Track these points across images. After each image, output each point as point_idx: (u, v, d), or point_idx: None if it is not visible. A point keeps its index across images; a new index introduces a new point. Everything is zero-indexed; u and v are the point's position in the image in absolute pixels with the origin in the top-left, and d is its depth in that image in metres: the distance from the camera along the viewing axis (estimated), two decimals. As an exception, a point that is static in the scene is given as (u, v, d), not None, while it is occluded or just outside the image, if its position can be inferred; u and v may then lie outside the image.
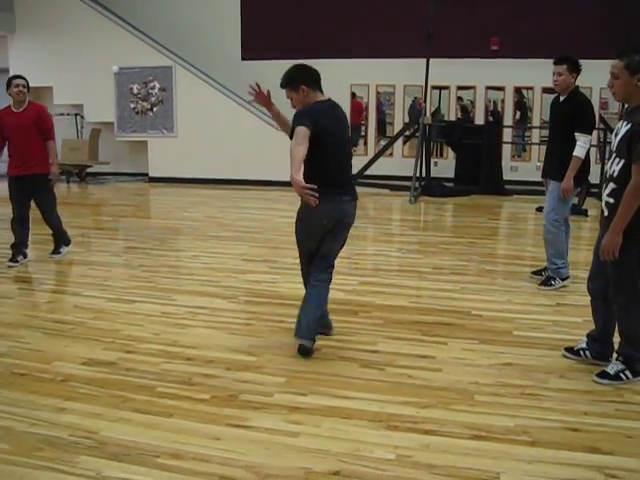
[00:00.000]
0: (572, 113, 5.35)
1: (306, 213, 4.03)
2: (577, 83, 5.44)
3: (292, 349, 4.20)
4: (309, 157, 3.78)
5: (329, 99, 4.12)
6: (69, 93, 13.40)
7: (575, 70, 5.38)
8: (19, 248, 6.40)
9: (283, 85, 4.10)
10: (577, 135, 5.29)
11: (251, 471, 2.80)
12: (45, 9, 13.26)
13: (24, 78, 6.36)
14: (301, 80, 4.05)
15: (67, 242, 6.83)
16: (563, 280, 5.63)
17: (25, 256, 6.45)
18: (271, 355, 4.11)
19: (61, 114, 13.90)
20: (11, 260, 6.31)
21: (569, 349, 4.08)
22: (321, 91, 4.12)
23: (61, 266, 6.39)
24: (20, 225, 6.43)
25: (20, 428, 3.18)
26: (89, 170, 13.72)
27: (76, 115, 13.92)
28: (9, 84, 6.28)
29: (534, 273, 5.97)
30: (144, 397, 3.53)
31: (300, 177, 3.62)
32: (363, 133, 13.71)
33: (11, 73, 13.50)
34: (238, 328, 4.65)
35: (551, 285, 5.60)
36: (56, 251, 6.73)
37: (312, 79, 4.08)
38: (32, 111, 6.34)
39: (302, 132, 3.81)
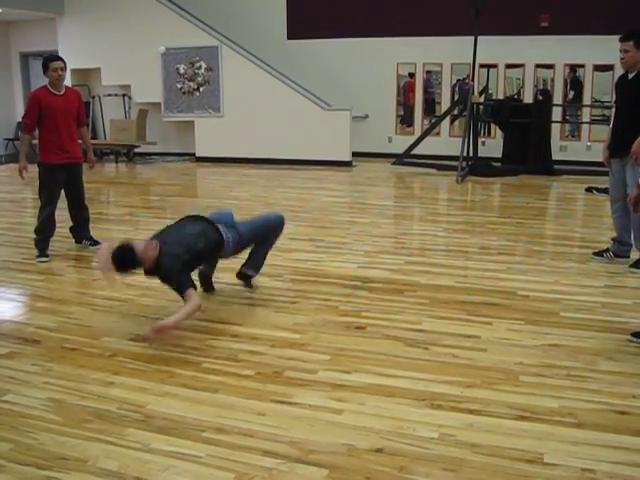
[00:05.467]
0: None
1: None
2: None
3: (337, 327, 4.23)
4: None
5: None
6: (117, 74, 13.54)
7: None
8: (48, 242, 6.06)
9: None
10: None
11: (295, 447, 2.83)
12: (94, -10, 13.41)
13: (62, 59, 5.92)
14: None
15: None
16: None
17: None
18: (316, 333, 4.14)
19: (109, 95, 14.08)
20: (44, 255, 5.96)
21: (637, 334, 3.94)
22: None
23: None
24: (53, 218, 6.07)
25: (71, 401, 3.26)
26: (137, 150, 13.87)
27: (124, 96, 14.07)
28: (47, 67, 5.80)
29: (596, 254, 5.85)
30: (190, 372, 3.59)
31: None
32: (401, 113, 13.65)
33: (61, 55, 13.66)
34: (283, 306, 4.68)
35: None
36: (96, 241, 6.30)
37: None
38: (73, 95, 6.10)
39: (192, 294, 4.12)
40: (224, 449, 2.81)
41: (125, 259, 4.09)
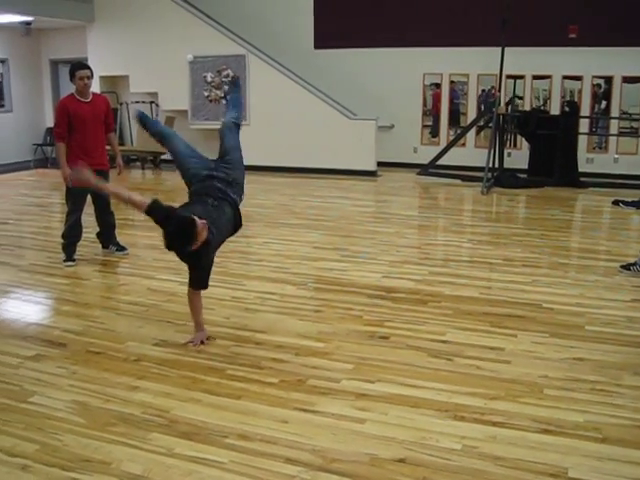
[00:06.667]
0: None
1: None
2: None
3: (361, 336, 4.23)
4: None
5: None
6: (145, 82, 13.65)
7: None
8: (75, 247, 6.14)
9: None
10: None
11: (317, 455, 2.83)
12: (123, -1, 13.58)
13: (89, 67, 6.01)
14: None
15: None
16: None
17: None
18: (339, 342, 4.14)
19: (137, 102, 14.20)
20: (71, 260, 6.05)
21: None
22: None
23: (135, 250, 6.53)
24: (80, 224, 6.13)
25: (95, 404, 3.30)
26: (163, 157, 13.96)
27: (151, 103, 14.17)
28: (73, 75, 5.87)
29: (623, 267, 5.80)
30: (214, 379, 3.61)
31: None
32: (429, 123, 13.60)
33: (90, 62, 13.85)
34: (307, 314, 4.69)
35: None
36: (123, 247, 6.41)
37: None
38: (101, 102, 6.15)
39: None
40: (247, 455, 2.83)
41: (186, 233, 3.59)
